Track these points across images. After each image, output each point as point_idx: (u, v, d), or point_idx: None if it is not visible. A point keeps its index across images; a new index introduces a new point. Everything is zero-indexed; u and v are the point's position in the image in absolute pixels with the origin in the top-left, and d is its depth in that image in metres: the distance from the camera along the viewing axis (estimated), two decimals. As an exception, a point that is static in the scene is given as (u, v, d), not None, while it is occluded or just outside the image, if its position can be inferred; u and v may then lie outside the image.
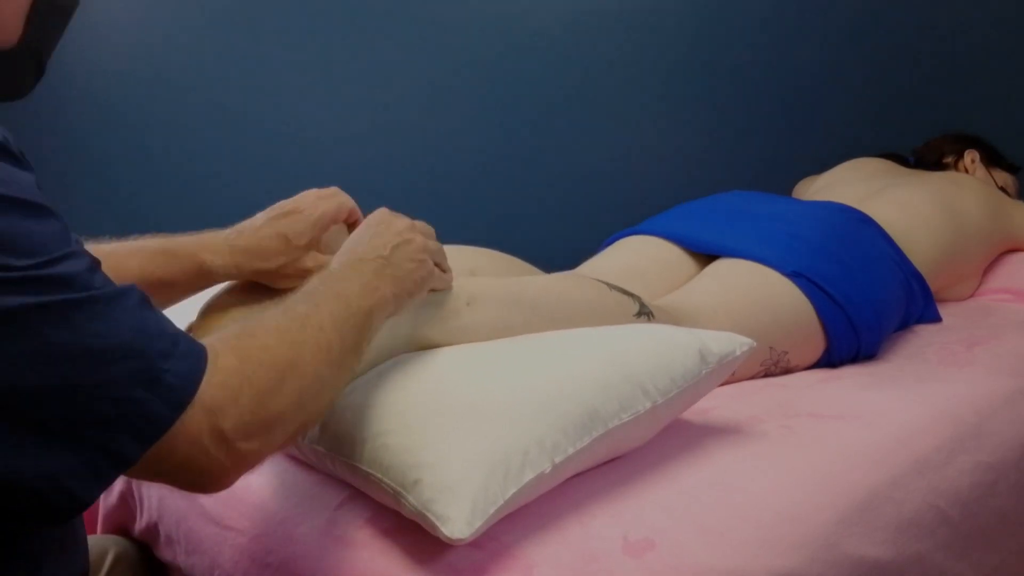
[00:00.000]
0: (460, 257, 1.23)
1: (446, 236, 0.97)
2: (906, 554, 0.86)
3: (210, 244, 0.94)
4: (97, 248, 0.86)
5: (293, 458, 0.96)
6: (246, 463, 0.62)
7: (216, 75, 2.07)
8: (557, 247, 1.82)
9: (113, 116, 2.06)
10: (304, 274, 0.94)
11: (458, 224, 2.12)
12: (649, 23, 2.23)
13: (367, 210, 0.94)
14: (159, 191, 2.10)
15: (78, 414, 0.53)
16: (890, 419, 1.02)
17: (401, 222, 0.86)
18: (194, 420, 0.57)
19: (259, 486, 0.94)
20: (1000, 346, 1.28)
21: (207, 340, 0.63)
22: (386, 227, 0.85)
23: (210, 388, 0.58)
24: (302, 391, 0.65)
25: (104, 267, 0.59)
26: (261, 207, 1.02)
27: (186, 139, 2.09)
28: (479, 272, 1.20)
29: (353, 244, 0.83)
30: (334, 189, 1.03)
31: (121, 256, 0.88)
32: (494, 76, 2.19)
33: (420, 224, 0.89)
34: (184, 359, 0.58)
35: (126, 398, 0.54)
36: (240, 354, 0.62)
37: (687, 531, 0.78)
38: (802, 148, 2.30)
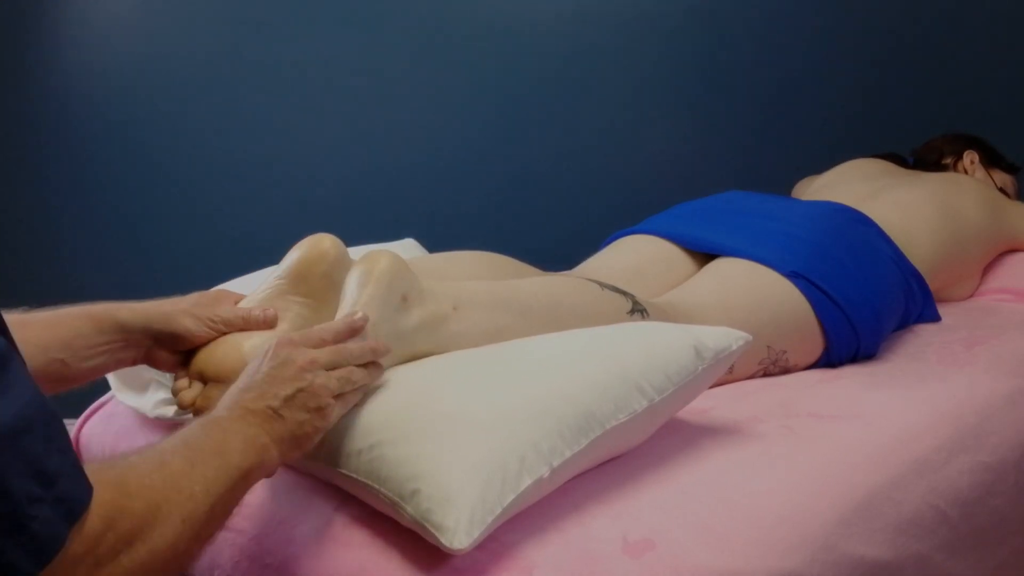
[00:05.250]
0: (459, 264, 1.22)
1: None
2: (906, 554, 0.86)
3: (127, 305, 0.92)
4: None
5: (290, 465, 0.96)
6: None
7: (219, 77, 2.07)
8: (557, 247, 1.82)
9: (116, 118, 2.05)
10: (219, 323, 0.92)
11: (458, 223, 2.13)
12: (649, 23, 2.23)
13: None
14: (162, 192, 2.10)
15: None
16: (890, 419, 1.02)
17: (300, 358, 0.77)
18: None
19: (259, 487, 0.94)
20: (1000, 346, 1.28)
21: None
22: (281, 368, 0.76)
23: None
24: (151, 558, 0.60)
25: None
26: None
27: (188, 141, 2.09)
28: (478, 278, 1.18)
29: (244, 385, 0.76)
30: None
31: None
32: (493, 76, 2.19)
33: (324, 352, 0.79)
34: (56, 505, 0.53)
35: None
36: (103, 512, 0.57)
37: (687, 531, 0.78)
38: (801, 148, 2.30)
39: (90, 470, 0.59)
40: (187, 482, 0.64)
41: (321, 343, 0.81)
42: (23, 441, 0.52)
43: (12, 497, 0.51)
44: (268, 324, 0.94)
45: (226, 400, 0.75)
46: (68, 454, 0.56)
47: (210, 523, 0.66)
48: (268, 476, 0.74)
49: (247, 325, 0.94)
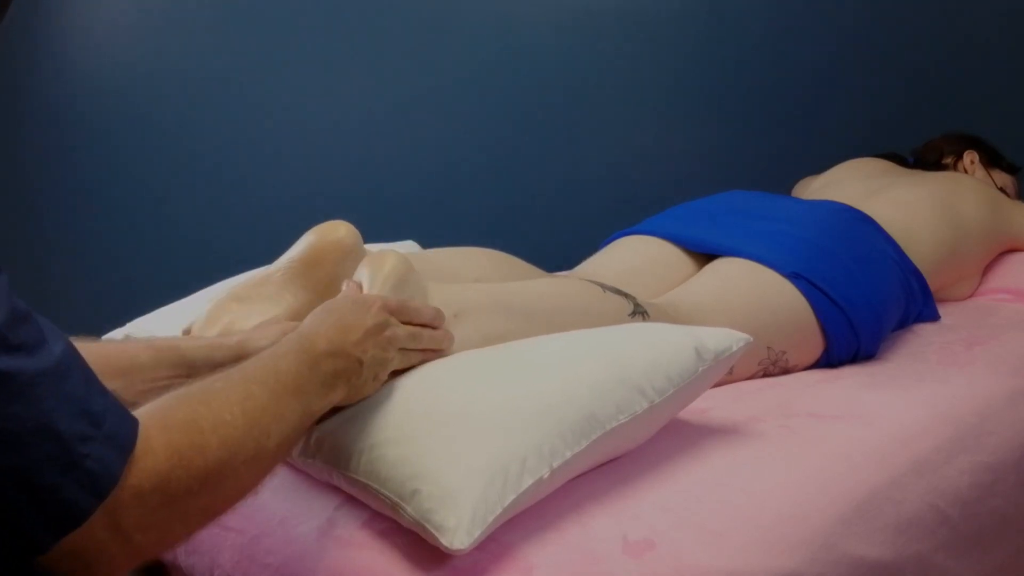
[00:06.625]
0: (463, 260, 1.22)
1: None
2: (906, 554, 0.86)
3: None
4: None
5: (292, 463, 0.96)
6: (138, 556, 0.58)
7: (215, 79, 2.07)
8: (557, 247, 1.82)
9: (119, 116, 2.05)
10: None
11: (458, 224, 2.13)
12: (649, 23, 2.23)
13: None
14: (159, 194, 2.09)
15: None
16: (890, 419, 1.02)
17: (395, 329, 0.82)
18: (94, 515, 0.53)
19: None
20: (1000, 346, 1.28)
21: (146, 413, 0.59)
22: (378, 326, 0.80)
23: (119, 488, 0.54)
24: (218, 497, 0.62)
25: None
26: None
27: (187, 143, 2.09)
28: (482, 276, 1.18)
29: (341, 320, 0.78)
30: None
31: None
32: (494, 76, 2.19)
33: (404, 331, 0.84)
34: (107, 443, 0.54)
35: (41, 485, 0.51)
36: (170, 453, 0.58)
37: (687, 531, 0.78)
38: (802, 148, 2.30)
39: (158, 412, 0.60)
40: (265, 420, 0.66)
41: (409, 321, 0.85)
42: (66, 384, 0.54)
43: (63, 438, 0.52)
44: None
45: (321, 319, 0.78)
46: (107, 395, 0.57)
47: (274, 462, 0.69)
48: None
49: None
